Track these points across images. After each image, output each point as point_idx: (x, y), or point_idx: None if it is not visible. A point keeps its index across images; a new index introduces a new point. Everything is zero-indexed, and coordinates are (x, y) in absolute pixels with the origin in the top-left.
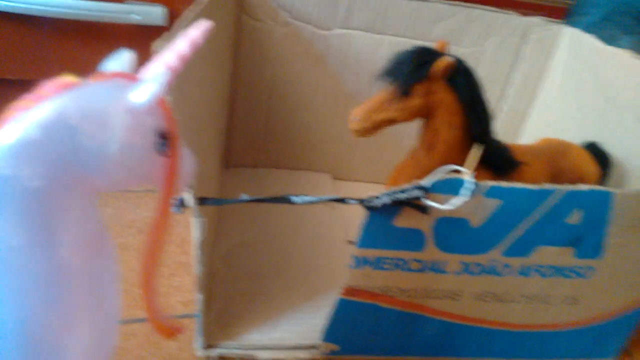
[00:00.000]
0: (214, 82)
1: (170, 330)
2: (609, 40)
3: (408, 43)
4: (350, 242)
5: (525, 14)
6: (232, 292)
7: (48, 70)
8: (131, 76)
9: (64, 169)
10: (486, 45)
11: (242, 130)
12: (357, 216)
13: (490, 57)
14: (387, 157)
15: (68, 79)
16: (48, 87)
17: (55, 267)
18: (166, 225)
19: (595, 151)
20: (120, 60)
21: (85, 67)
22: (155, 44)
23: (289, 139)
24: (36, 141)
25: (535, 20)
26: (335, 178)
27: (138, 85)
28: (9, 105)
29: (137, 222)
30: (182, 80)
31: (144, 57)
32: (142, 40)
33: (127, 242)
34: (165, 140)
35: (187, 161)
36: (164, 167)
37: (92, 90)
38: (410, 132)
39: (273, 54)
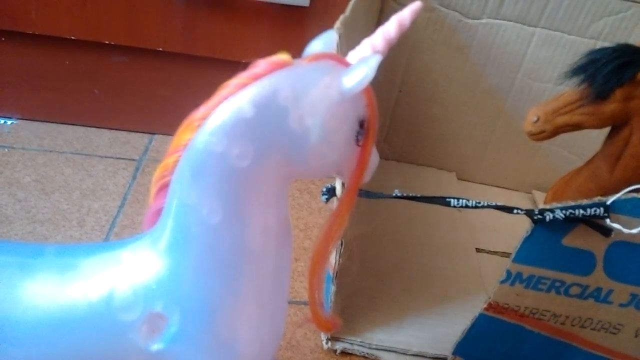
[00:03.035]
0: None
1: (329, 325)
2: None
3: (563, 38)
4: (480, 251)
5: None
6: (355, 285)
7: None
8: (341, 58)
9: (269, 151)
10: None
11: None
12: (484, 222)
13: None
14: (520, 161)
15: (282, 58)
16: (262, 65)
17: (244, 250)
18: (347, 217)
19: None
20: (325, 40)
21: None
22: (337, 26)
23: (415, 131)
24: (249, 119)
25: None
26: (459, 178)
27: (349, 69)
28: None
29: (299, 223)
30: None
31: (285, 37)
32: (284, 21)
33: None
34: (362, 129)
35: (374, 153)
36: (355, 157)
37: (305, 72)
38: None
39: (412, 40)
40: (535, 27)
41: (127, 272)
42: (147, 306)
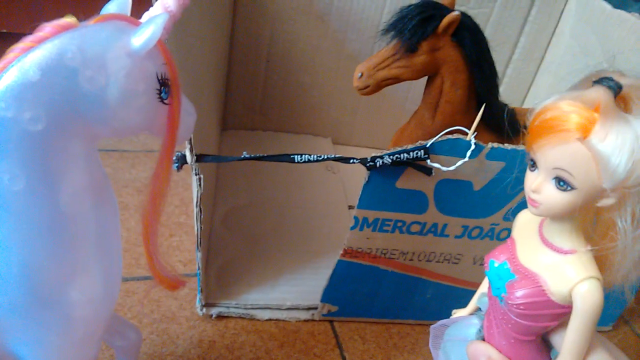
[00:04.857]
0: (213, 39)
1: (173, 284)
2: (619, 4)
3: (412, 2)
4: (351, 207)
5: None
6: (231, 253)
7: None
8: (131, 19)
9: (64, 113)
10: (494, 7)
11: (239, 91)
12: (356, 181)
13: (497, 19)
14: (389, 121)
15: (68, 20)
16: (47, 28)
17: (57, 213)
18: (168, 177)
19: None
20: (119, 3)
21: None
22: None
23: (288, 101)
24: (36, 82)
25: None
26: (335, 142)
27: (138, 29)
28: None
29: (135, 181)
30: (181, 33)
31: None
32: None
33: (125, 202)
34: (166, 87)
35: (188, 111)
36: (165, 116)
37: (92, 32)
38: (412, 97)
39: (273, 12)
40: None
41: None
42: None
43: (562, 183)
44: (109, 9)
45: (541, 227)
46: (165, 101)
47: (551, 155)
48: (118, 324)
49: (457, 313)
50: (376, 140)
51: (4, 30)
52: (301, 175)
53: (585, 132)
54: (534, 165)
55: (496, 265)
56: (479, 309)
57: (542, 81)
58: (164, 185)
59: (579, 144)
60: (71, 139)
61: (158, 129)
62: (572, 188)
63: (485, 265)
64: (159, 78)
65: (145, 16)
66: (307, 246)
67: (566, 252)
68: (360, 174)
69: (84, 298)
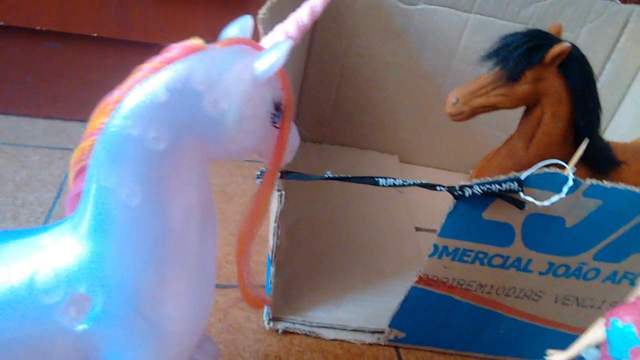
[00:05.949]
0: (293, 51)
1: (259, 302)
2: None
3: (495, 23)
4: (419, 230)
5: (625, 2)
6: (296, 267)
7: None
8: (254, 43)
9: (185, 134)
10: (581, 32)
11: (310, 103)
12: (423, 202)
13: (583, 45)
14: (457, 142)
15: (196, 42)
16: (176, 49)
17: (166, 230)
18: (269, 197)
19: None
20: (241, 26)
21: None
22: (262, 12)
23: (357, 116)
24: (163, 103)
25: (637, 9)
26: (401, 161)
27: (262, 54)
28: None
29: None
30: None
31: (221, 22)
32: (220, 5)
33: None
34: (279, 112)
35: (294, 135)
36: (274, 138)
37: (218, 56)
38: (486, 119)
39: (350, 26)
40: (469, 12)
41: (48, 257)
42: (70, 288)
43: None
44: (231, 32)
45: None
46: (277, 125)
47: None
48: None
49: (554, 355)
50: (444, 160)
51: (95, 35)
52: (366, 192)
53: None
54: None
55: (619, 325)
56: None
57: (626, 112)
58: (265, 204)
59: None
60: (188, 159)
61: (267, 151)
62: None
63: (607, 323)
64: (275, 103)
65: (266, 41)
66: (371, 266)
67: None
68: (428, 195)
69: (181, 314)
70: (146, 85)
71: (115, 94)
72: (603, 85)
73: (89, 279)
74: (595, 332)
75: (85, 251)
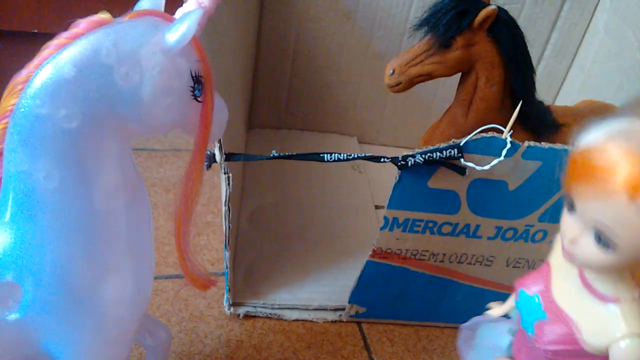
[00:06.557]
0: (240, 37)
1: (204, 283)
2: None
3: None
4: (378, 207)
5: None
6: (258, 252)
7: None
8: (165, 15)
9: (98, 110)
10: (525, 2)
11: (265, 89)
12: (383, 180)
13: (528, 15)
14: (416, 120)
15: (102, 16)
16: (82, 24)
17: (90, 212)
18: (200, 176)
19: None
20: None
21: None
22: None
23: (313, 100)
24: (71, 79)
25: None
26: (361, 142)
27: (172, 25)
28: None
29: (163, 180)
30: (211, 30)
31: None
32: None
33: (154, 201)
34: (199, 84)
35: (221, 109)
36: (198, 113)
37: (127, 29)
38: (441, 95)
39: (299, 10)
40: None
41: None
42: None
43: (602, 240)
44: (142, 5)
45: None
46: (199, 99)
47: (592, 206)
48: (149, 323)
49: (494, 307)
50: (403, 139)
51: (35, 31)
52: (327, 174)
53: (636, 191)
54: (572, 208)
55: (526, 296)
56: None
57: (574, 79)
58: (196, 184)
59: (627, 202)
60: (105, 137)
61: (191, 126)
62: (614, 247)
63: (515, 293)
64: (193, 75)
65: (179, 12)
66: (334, 246)
67: (608, 300)
68: (387, 173)
69: (116, 297)
70: (53, 63)
71: (23, 73)
72: (550, 54)
73: (16, 266)
74: (510, 300)
75: (10, 238)
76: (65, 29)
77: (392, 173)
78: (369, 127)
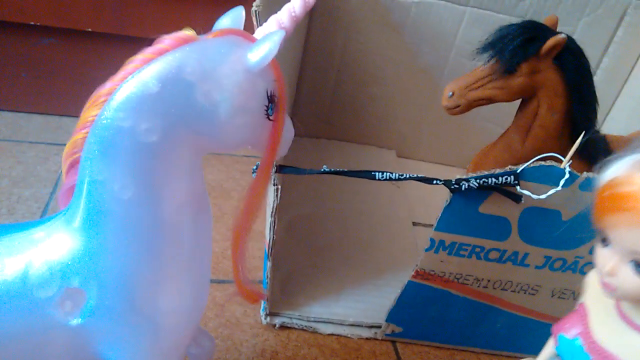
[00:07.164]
0: (289, 47)
1: (255, 296)
2: None
3: (492, 17)
4: (416, 224)
5: None
6: (295, 263)
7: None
8: (246, 34)
9: (177, 126)
10: (578, 26)
11: (308, 98)
12: (421, 197)
13: (580, 39)
14: (455, 138)
15: (187, 33)
16: (168, 40)
17: (159, 223)
18: (265, 190)
19: None
20: (233, 17)
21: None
22: (256, 3)
23: (355, 111)
24: (154, 94)
25: (634, 1)
26: (400, 155)
27: (254, 45)
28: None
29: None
30: None
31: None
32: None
33: None
34: (272, 103)
35: (288, 128)
36: (268, 131)
37: (211, 47)
38: (484, 114)
39: (347, 22)
40: (465, 6)
41: (41, 251)
42: (64, 282)
43: None
44: (223, 23)
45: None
46: (271, 117)
47: (626, 237)
48: (195, 332)
49: None
50: (441, 155)
51: (89, 29)
52: (365, 187)
53: None
54: (605, 240)
55: (566, 339)
56: None
57: (623, 105)
58: (260, 197)
59: None
60: (181, 152)
61: (261, 144)
62: None
63: (554, 339)
64: (268, 95)
65: (259, 32)
66: (369, 261)
67: None
68: (425, 189)
69: (174, 307)
70: (138, 77)
71: (107, 85)
72: (600, 79)
73: (82, 272)
74: (549, 346)
75: (78, 245)
76: (120, 29)
77: (430, 190)
78: (408, 141)
